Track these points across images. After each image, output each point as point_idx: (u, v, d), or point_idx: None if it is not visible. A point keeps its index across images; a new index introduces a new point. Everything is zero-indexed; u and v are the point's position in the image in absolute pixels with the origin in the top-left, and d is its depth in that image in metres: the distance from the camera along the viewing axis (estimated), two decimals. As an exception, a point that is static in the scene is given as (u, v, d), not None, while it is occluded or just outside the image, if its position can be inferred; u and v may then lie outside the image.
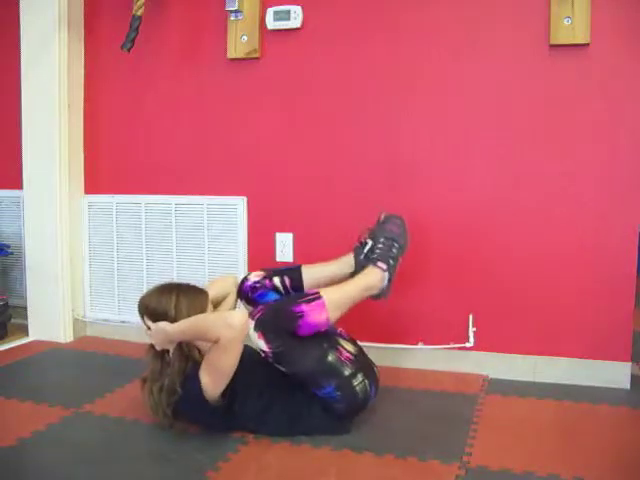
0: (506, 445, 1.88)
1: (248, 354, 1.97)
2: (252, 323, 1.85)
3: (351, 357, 1.95)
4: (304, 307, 1.89)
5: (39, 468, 1.78)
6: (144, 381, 1.96)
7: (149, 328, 1.93)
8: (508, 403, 2.22)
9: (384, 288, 2.08)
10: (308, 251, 2.68)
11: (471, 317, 2.42)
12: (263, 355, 1.88)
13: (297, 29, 2.62)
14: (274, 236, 2.73)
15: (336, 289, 2.03)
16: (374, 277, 2.05)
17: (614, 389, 2.31)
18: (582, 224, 2.35)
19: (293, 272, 2.21)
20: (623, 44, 2.26)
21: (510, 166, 2.42)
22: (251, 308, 2.11)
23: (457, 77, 2.45)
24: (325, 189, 2.65)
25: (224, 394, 1.85)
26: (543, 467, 1.72)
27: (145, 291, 2.04)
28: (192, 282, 2.05)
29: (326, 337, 1.96)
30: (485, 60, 2.42)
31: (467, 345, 2.46)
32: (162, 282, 2.04)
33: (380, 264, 2.07)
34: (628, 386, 2.32)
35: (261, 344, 1.85)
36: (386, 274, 2.06)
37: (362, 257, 2.14)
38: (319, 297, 1.93)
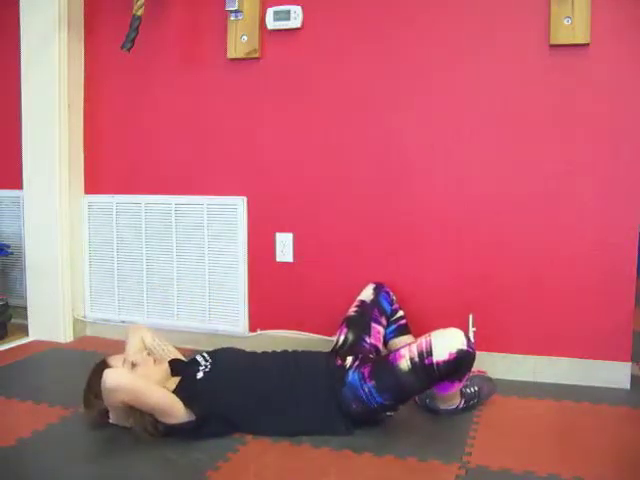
0: (506, 445, 1.88)
1: (227, 358, 1.99)
2: (466, 345, 1.87)
3: None
4: (465, 378, 1.99)
5: (39, 468, 1.78)
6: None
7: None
8: (508, 403, 2.22)
9: (440, 410, 2.08)
10: (308, 251, 2.68)
11: (471, 317, 2.42)
12: (421, 355, 1.85)
13: (297, 29, 2.62)
14: (274, 236, 2.73)
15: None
16: (454, 401, 2.08)
17: (614, 389, 2.31)
18: (582, 224, 2.35)
19: (406, 327, 2.42)
20: (623, 44, 2.26)
21: (510, 166, 2.42)
22: (372, 293, 2.39)
23: (457, 77, 2.45)
24: (325, 189, 2.65)
25: (192, 411, 1.85)
26: (543, 467, 1.72)
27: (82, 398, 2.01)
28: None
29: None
30: (485, 60, 2.42)
31: (467, 345, 2.46)
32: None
33: (462, 402, 2.09)
34: (628, 386, 2.32)
35: (441, 355, 1.83)
36: (453, 408, 2.08)
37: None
38: (460, 382, 1.99)
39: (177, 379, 1.99)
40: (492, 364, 2.44)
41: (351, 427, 1.94)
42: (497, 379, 2.41)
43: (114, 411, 1.89)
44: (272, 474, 1.74)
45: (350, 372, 1.95)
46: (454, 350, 1.84)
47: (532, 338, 2.43)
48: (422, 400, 2.12)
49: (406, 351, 1.88)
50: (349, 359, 2.01)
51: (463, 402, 2.09)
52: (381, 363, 1.95)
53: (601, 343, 2.35)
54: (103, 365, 1.97)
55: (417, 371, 1.85)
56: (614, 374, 2.32)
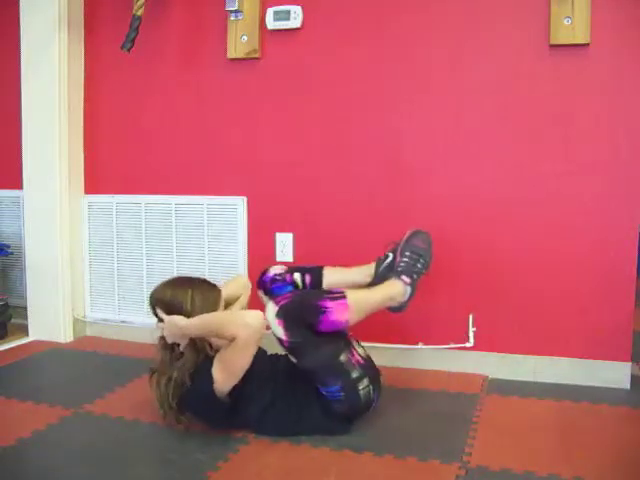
0: (506, 445, 1.88)
1: (260, 355, 1.97)
2: (275, 308, 1.87)
3: (361, 361, 1.97)
4: (329, 303, 1.91)
5: (39, 468, 1.78)
6: (152, 372, 1.96)
7: (161, 320, 1.93)
8: (508, 403, 2.22)
9: (404, 302, 2.09)
10: (308, 251, 2.68)
11: (471, 317, 2.42)
12: (280, 343, 1.89)
13: (297, 29, 2.62)
14: (274, 236, 2.73)
15: (359, 293, 2.05)
16: (396, 289, 2.06)
17: (614, 389, 2.31)
18: (582, 224, 2.35)
19: (314, 271, 2.24)
20: (623, 44, 2.26)
21: (510, 166, 2.42)
22: (267, 299, 2.13)
23: (457, 77, 2.45)
24: (325, 189, 2.65)
25: (231, 392, 1.86)
26: (543, 467, 1.72)
27: (158, 283, 2.02)
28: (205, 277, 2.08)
29: (341, 337, 1.99)
30: (485, 60, 2.42)
31: (467, 345, 2.46)
32: (175, 275, 2.03)
33: (404, 277, 2.08)
34: (628, 386, 2.32)
35: (280, 332, 1.86)
36: (408, 288, 2.07)
37: (382, 269, 2.17)
38: (344, 297, 1.95)
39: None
40: (492, 364, 2.45)
41: (347, 426, 1.95)
42: (497, 379, 2.42)
43: (205, 330, 1.87)
44: (272, 474, 1.74)
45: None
46: (276, 320, 1.86)
47: (532, 338, 2.43)
48: (393, 309, 2.10)
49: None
50: None
51: (407, 278, 2.06)
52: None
53: (601, 343, 2.35)
54: (217, 288, 2.00)
55: (296, 353, 1.90)
56: (614, 374, 2.32)
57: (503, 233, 2.44)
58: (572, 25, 2.26)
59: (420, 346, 2.52)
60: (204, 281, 2.03)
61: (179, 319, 1.87)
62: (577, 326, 2.37)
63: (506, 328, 2.46)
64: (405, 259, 2.10)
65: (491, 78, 2.41)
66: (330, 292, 2.00)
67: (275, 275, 2.22)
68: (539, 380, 2.41)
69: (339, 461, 1.80)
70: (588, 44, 2.27)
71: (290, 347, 1.89)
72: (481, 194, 2.46)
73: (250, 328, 1.79)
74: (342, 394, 1.89)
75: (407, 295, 2.08)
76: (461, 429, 1.98)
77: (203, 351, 1.91)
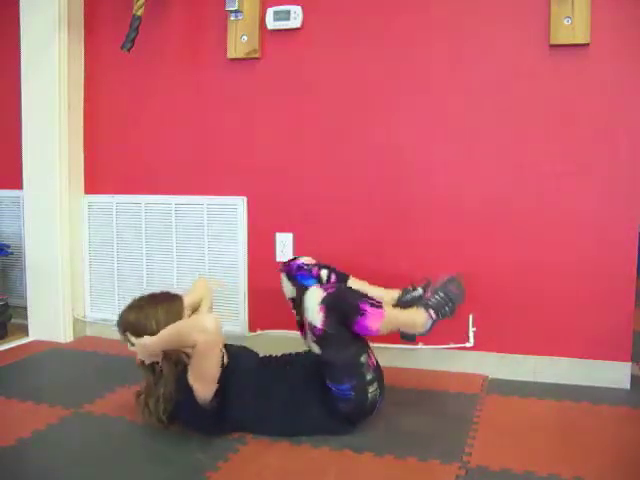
0: (506, 445, 1.88)
1: (244, 356, 1.98)
2: (322, 295, 1.88)
3: (374, 365, 1.99)
4: (368, 308, 1.93)
5: (39, 468, 1.78)
6: (138, 395, 1.97)
7: (132, 344, 1.94)
8: (508, 403, 2.22)
9: (419, 333, 2.10)
10: (308, 251, 2.67)
11: (471, 317, 2.42)
12: (311, 331, 1.89)
13: (297, 29, 2.62)
14: (274, 236, 2.73)
15: (392, 309, 2.08)
16: (422, 319, 2.08)
17: (614, 389, 2.31)
18: (582, 224, 2.35)
19: (340, 276, 2.28)
20: (623, 44, 2.26)
21: (510, 166, 2.42)
22: (291, 285, 2.22)
23: (457, 77, 2.45)
24: (325, 189, 2.65)
25: (216, 396, 1.85)
26: (543, 467, 1.72)
27: (122, 309, 2.02)
28: (165, 288, 2.09)
29: (363, 339, 2.01)
30: (485, 60, 2.42)
31: (467, 345, 2.46)
32: (136, 296, 2.03)
33: (431, 312, 2.09)
34: (628, 386, 2.32)
35: (318, 319, 1.87)
36: (429, 323, 2.08)
37: (406, 298, 2.21)
38: (382, 307, 1.98)
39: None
40: (492, 364, 2.45)
41: (349, 426, 1.95)
42: (497, 379, 2.42)
43: (169, 343, 1.87)
44: (272, 474, 1.74)
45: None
46: (318, 306, 1.86)
47: (532, 338, 2.43)
48: (404, 337, 2.11)
49: (309, 338, 1.93)
50: None
51: (433, 313, 2.08)
52: (319, 361, 1.95)
53: (601, 343, 2.35)
54: (178, 298, 2.00)
55: (324, 345, 1.89)
56: (614, 374, 2.32)
57: (503, 233, 2.44)
58: (572, 25, 2.26)
59: (420, 346, 2.52)
60: (165, 294, 2.03)
61: (146, 339, 1.89)
62: (577, 326, 2.37)
63: (506, 328, 2.46)
64: (437, 297, 2.12)
65: (491, 78, 2.41)
66: (372, 298, 2.01)
67: (303, 264, 2.25)
68: (539, 380, 2.41)
69: (339, 461, 1.80)
70: (588, 44, 2.27)
71: (321, 336, 1.88)
72: (481, 194, 2.45)
73: (207, 332, 1.79)
74: (352, 393, 1.90)
75: (425, 329, 2.09)
76: (461, 429, 1.98)
77: (181, 362, 1.91)
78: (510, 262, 2.43)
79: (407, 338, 2.13)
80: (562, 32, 2.27)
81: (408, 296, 2.21)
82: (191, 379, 1.84)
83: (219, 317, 1.88)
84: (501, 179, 2.43)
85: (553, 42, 2.30)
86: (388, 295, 2.23)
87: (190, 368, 1.85)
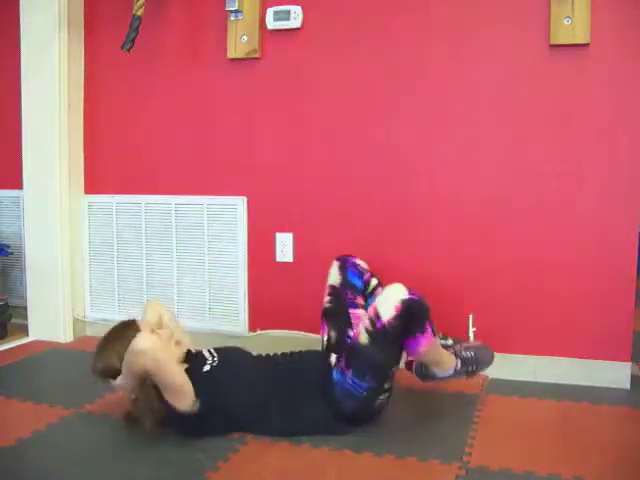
0: (506, 445, 1.88)
1: (234, 356, 1.98)
2: (406, 296, 1.83)
3: (394, 377, 1.99)
4: (428, 329, 1.89)
5: (39, 468, 1.78)
6: (127, 416, 1.96)
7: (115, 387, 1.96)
8: (508, 403, 2.22)
9: (437, 376, 2.08)
10: (308, 251, 2.68)
11: (471, 317, 2.42)
12: (372, 321, 1.85)
13: (297, 29, 2.62)
14: (274, 236, 2.73)
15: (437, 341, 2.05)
16: (450, 363, 2.05)
17: (614, 389, 2.31)
18: (582, 224, 2.35)
19: None
20: (623, 44, 2.26)
21: (510, 166, 2.42)
22: (338, 273, 2.25)
23: (457, 77, 2.45)
24: (325, 189, 2.65)
25: (198, 398, 1.86)
26: (543, 467, 1.72)
27: (90, 361, 2.03)
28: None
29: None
30: (485, 60, 2.42)
31: (467, 345, 2.46)
32: (98, 340, 2.04)
33: (459, 363, 2.07)
34: (628, 386, 2.32)
35: (388, 314, 1.82)
36: (451, 372, 2.07)
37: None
38: (434, 336, 1.95)
39: (185, 366, 1.98)
40: (492, 364, 2.44)
41: (350, 426, 1.95)
42: (497, 379, 2.42)
43: (128, 374, 1.87)
44: (272, 474, 1.74)
45: (334, 371, 1.94)
46: (398, 303, 1.82)
47: (532, 338, 2.43)
48: (418, 371, 2.10)
49: (362, 325, 1.89)
50: (333, 357, 2.01)
51: (460, 364, 2.06)
52: (350, 348, 1.94)
53: (601, 343, 2.35)
54: (132, 324, 1.98)
55: (375, 339, 1.85)
56: (614, 374, 2.32)
57: (503, 233, 2.44)
58: (572, 25, 2.26)
59: (420, 346, 2.52)
60: (119, 327, 2.01)
61: (119, 379, 1.92)
62: (577, 326, 2.37)
63: (506, 328, 2.46)
64: (468, 354, 2.10)
65: (491, 78, 2.41)
66: (433, 324, 1.97)
67: (359, 266, 2.28)
68: (539, 380, 2.41)
69: (339, 461, 1.80)
70: (588, 44, 2.27)
71: (379, 330, 1.84)
72: (481, 194, 2.45)
73: (142, 354, 1.78)
74: (365, 393, 1.89)
75: (445, 375, 2.07)
76: (461, 429, 1.98)
77: (154, 386, 1.88)
78: (510, 262, 2.43)
79: (423, 376, 2.11)
80: (562, 32, 2.27)
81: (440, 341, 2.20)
82: (165, 394, 1.84)
83: (147, 336, 1.85)
84: (501, 179, 2.43)
85: (553, 42, 2.30)
86: None
87: (160, 387, 1.85)
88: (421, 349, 1.91)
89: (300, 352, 2.12)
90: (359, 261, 2.30)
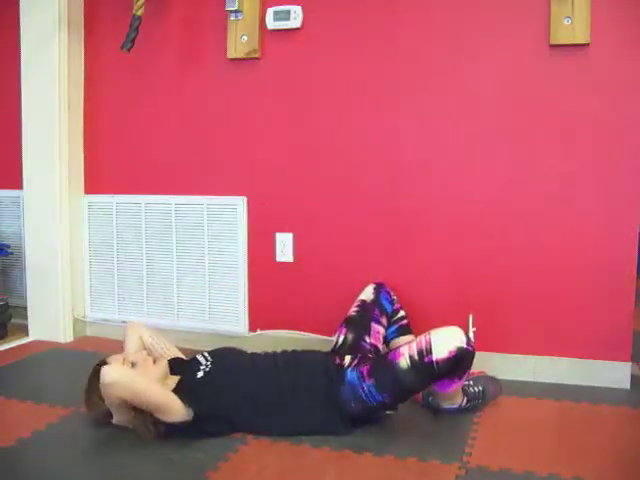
0: (506, 445, 1.88)
1: (228, 358, 1.98)
2: (465, 345, 1.85)
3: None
4: (464, 377, 1.97)
5: (39, 468, 1.78)
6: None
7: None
8: (508, 403, 2.22)
9: (442, 408, 2.09)
10: (308, 251, 2.68)
11: (471, 317, 2.42)
12: (421, 353, 1.84)
13: (297, 29, 2.62)
14: (274, 236, 2.73)
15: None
16: (457, 400, 2.08)
17: (614, 389, 2.31)
18: (582, 224, 2.35)
19: (405, 328, 2.38)
20: (623, 44, 2.26)
21: (510, 166, 2.42)
22: (373, 293, 2.36)
23: (457, 77, 2.45)
24: (325, 189, 2.65)
25: (192, 406, 1.86)
26: (543, 467, 1.72)
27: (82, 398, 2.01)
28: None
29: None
30: (485, 60, 2.42)
31: (467, 345, 2.46)
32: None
33: (464, 401, 2.09)
34: (628, 386, 2.32)
35: (440, 355, 1.82)
36: (455, 407, 2.09)
37: None
38: (462, 380, 1.98)
39: (177, 378, 1.99)
40: (492, 364, 2.44)
41: (350, 427, 1.95)
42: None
43: (115, 410, 1.89)
44: (272, 474, 1.74)
45: (348, 371, 1.95)
46: (454, 348, 1.83)
47: (532, 338, 2.43)
48: (425, 398, 2.12)
49: (405, 349, 1.88)
50: (347, 358, 2.02)
51: (466, 401, 2.09)
52: (380, 361, 1.95)
53: (601, 343, 2.35)
54: (103, 364, 1.97)
55: (417, 369, 1.85)
56: (614, 374, 2.32)
57: (503, 233, 2.44)
58: (572, 25, 2.26)
59: (420, 346, 2.52)
60: (96, 369, 1.97)
61: (114, 419, 1.92)
62: (577, 326, 2.37)
63: (506, 328, 2.46)
64: (475, 389, 2.13)
65: (491, 78, 2.41)
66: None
67: (391, 292, 2.40)
68: (539, 380, 2.41)
69: (339, 461, 1.80)
70: (588, 44, 2.27)
71: (424, 364, 1.84)
72: (481, 194, 2.45)
73: (112, 386, 1.78)
74: (376, 404, 1.91)
75: (449, 408, 2.09)
76: (461, 429, 1.98)
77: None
78: (510, 262, 2.43)
79: (427, 403, 2.12)
80: (562, 32, 2.27)
81: None
82: (155, 415, 1.84)
83: (114, 366, 1.87)
84: (501, 179, 2.43)
85: (553, 42, 2.30)
86: None
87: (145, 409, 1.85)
88: (450, 390, 1.99)
89: (300, 351, 2.13)
90: (392, 292, 2.40)
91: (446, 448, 1.85)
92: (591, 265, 2.34)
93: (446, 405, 2.08)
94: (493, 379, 2.21)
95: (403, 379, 1.87)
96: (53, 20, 2.84)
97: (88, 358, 2.76)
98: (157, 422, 1.85)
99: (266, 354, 2.12)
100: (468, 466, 1.74)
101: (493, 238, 2.45)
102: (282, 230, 2.72)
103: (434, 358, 1.83)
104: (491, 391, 2.16)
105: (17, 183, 3.04)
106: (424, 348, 1.85)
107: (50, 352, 2.83)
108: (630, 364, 2.33)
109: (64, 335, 2.98)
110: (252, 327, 2.80)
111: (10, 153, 3.11)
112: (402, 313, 2.40)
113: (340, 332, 2.29)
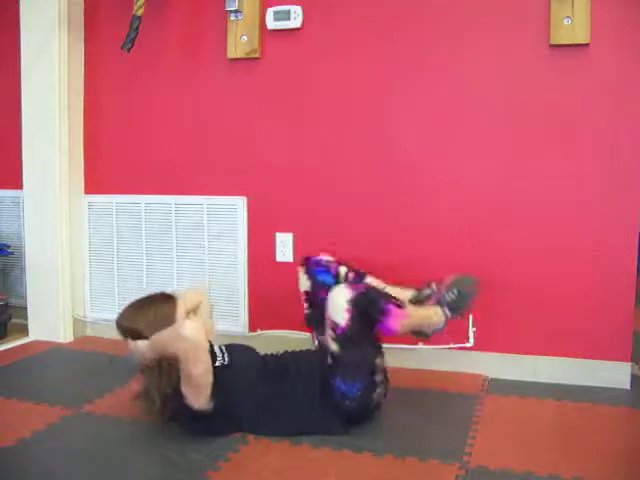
0: (506, 445, 1.88)
1: (244, 355, 1.98)
2: (351, 294, 1.87)
3: (384, 367, 2.00)
4: (392, 308, 1.93)
5: (39, 468, 1.78)
6: (137, 396, 1.97)
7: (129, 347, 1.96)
8: (508, 403, 2.22)
9: (436, 330, 2.10)
10: (308, 251, 2.67)
11: (471, 317, 2.42)
12: (332, 329, 1.88)
13: (297, 29, 2.62)
14: (274, 236, 2.73)
15: (412, 308, 2.07)
16: (438, 317, 2.08)
17: (614, 389, 2.31)
18: (582, 224, 2.35)
19: (359, 273, 2.27)
20: (623, 44, 2.26)
21: (510, 166, 2.42)
22: (307, 278, 2.23)
23: (457, 77, 2.45)
24: (325, 189, 2.65)
25: (213, 399, 1.86)
26: (543, 467, 1.72)
27: (121, 310, 2.03)
28: (164, 288, 2.11)
29: (378, 340, 2.01)
30: (485, 60, 2.42)
31: (467, 345, 2.46)
32: (134, 299, 2.04)
33: (447, 310, 2.10)
34: (628, 386, 2.32)
35: (343, 318, 1.86)
36: (443, 320, 2.09)
37: (420, 298, 2.20)
38: (404, 307, 1.98)
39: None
40: (492, 364, 2.45)
41: (348, 427, 1.95)
42: (497, 379, 2.42)
43: (157, 351, 1.86)
44: (272, 474, 1.74)
45: (329, 375, 1.95)
46: (345, 305, 1.86)
47: (532, 338, 2.43)
48: (417, 335, 2.11)
49: (327, 335, 1.92)
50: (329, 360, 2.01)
51: (447, 311, 2.08)
52: (326, 358, 1.95)
53: (601, 343, 2.35)
54: (171, 300, 1.99)
55: (344, 344, 1.88)
56: (614, 374, 2.32)
57: (503, 233, 2.44)
58: (572, 25, 2.26)
59: (420, 346, 2.52)
60: (158, 296, 2.02)
61: (140, 344, 1.91)
62: (577, 326, 2.37)
63: (506, 328, 2.46)
64: (452, 295, 2.12)
65: (491, 78, 2.41)
66: (396, 298, 2.01)
67: (322, 259, 2.26)
68: (539, 380, 2.41)
69: (339, 461, 1.80)
70: (588, 44, 2.27)
71: (342, 335, 1.88)
72: (481, 194, 2.45)
73: (186, 340, 1.79)
74: (359, 394, 1.90)
75: (440, 327, 2.09)
76: (461, 429, 1.98)
77: (174, 368, 1.87)
78: (510, 262, 2.43)
79: (421, 336, 2.13)
80: (562, 32, 2.27)
81: (422, 296, 2.21)
82: (183, 385, 1.84)
83: (198, 325, 1.86)
84: (501, 179, 2.43)
85: (553, 42, 2.30)
86: (403, 294, 2.22)
87: (181, 375, 1.85)
88: (394, 328, 1.94)
89: (299, 351, 2.12)
90: (321, 256, 2.29)
91: (446, 448, 1.85)
92: (591, 265, 2.34)
93: (435, 327, 2.08)
94: (462, 278, 2.17)
95: (347, 359, 1.89)
96: (53, 20, 2.84)
97: (88, 358, 2.77)
98: (169, 398, 1.85)
99: (271, 355, 2.12)
100: (468, 466, 1.74)
101: (493, 238, 2.45)
102: (282, 230, 2.72)
103: (342, 326, 1.86)
104: (466, 289, 2.13)
105: (17, 183, 3.04)
106: (331, 325, 1.89)
107: (50, 352, 2.83)
108: (630, 364, 2.33)
109: (64, 335, 2.98)
110: (252, 327, 2.80)
111: (10, 153, 3.11)
112: (343, 270, 2.26)
113: (312, 337, 2.26)
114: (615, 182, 2.30)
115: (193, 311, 2.10)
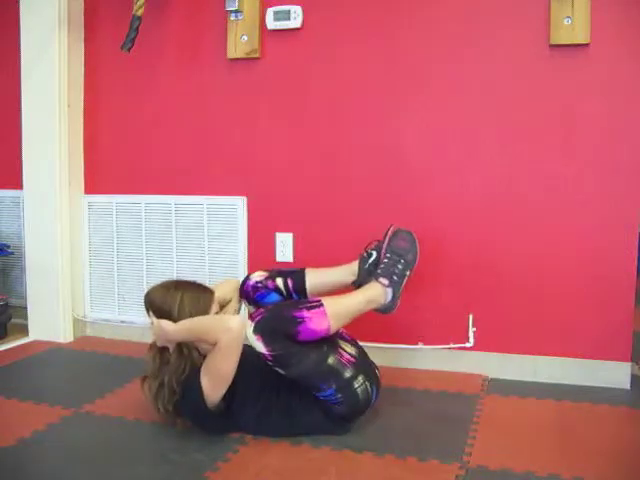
0: (506, 445, 1.88)
1: (246, 356, 1.97)
2: (252, 325, 1.84)
3: (352, 359, 1.95)
4: (305, 313, 1.88)
5: (39, 468, 1.78)
6: (144, 378, 1.97)
7: (152, 323, 1.93)
8: (508, 403, 2.22)
9: (387, 303, 2.06)
10: (308, 251, 2.68)
11: (471, 317, 2.42)
12: (263, 358, 1.86)
13: (297, 29, 2.62)
14: (274, 236, 2.73)
15: (337, 299, 2.01)
16: (375, 292, 2.04)
17: (614, 389, 2.31)
18: (582, 224, 2.35)
19: (296, 274, 2.19)
20: (623, 44, 2.26)
21: (510, 166, 2.42)
22: (253, 308, 2.12)
23: (457, 77, 2.45)
24: (325, 189, 2.65)
25: (224, 398, 1.85)
26: (543, 467, 1.72)
27: (152, 285, 2.03)
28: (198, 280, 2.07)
29: (326, 340, 1.94)
30: (485, 60, 2.42)
31: (467, 345, 2.46)
32: (171, 279, 2.04)
33: (382, 279, 2.05)
34: (628, 386, 2.32)
35: (260, 347, 1.84)
36: (389, 290, 2.04)
37: (366, 267, 2.13)
38: (320, 305, 1.92)
39: None
40: (492, 364, 2.45)
41: (347, 425, 1.95)
42: (497, 379, 2.42)
43: (190, 336, 1.86)
44: (272, 474, 1.74)
45: None
46: (255, 336, 1.82)
47: (532, 338, 2.43)
48: (376, 312, 2.07)
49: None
50: None
51: (386, 281, 2.02)
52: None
53: (601, 343, 2.35)
54: (208, 290, 1.99)
55: (282, 365, 1.85)
56: (614, 374, 2.32)
57: (503, 233, 2.44)
58: (572, 25, 2.26)
59: (420, 346, 2.52)
60: (195, 285, 2.02)
61: (166, 324, 1.87)
62: (577, 326, 2.37)
63: (506, 328, 2.46)
64: (385, 260, 2.07)
65: (491, 78, 2.41)
66: (307, 301, 1.97)
67: (257, 283, 2.15)
68: (539, 380, 2.41)
69: (339, 461, 1.80)
70: (588, 44, 2.27)
71: (274, 360, 1.85)
72: (481, 194, 2.45)
73: (231, 332, 1.79)
74: (339, 396, 1.88)
75: (389, 297, 2.04)
76: (461, 429, 1.98)
77: (190, 357, 1.89)
78: (510, 262, 2.43)
79: (383, 312, 2.07)
80: (562, 32, 2.27)
81: (366, 265, 2.13)
82: (204, 377, 1.82)
83: (244, 319, 1.86)
84: (501, 179, 2.43)
85: (553, 42, 2.30)
86: (349, 270, 2.17)
87: (205, 365, 1.83)
88: (321, 328, 1.89)
89: None
90: (253, 278, 2.16)
91: (446, 448, 1.85)
92: (591, 265, 2.34)
93: (381, 302, 2.03)
94: (394, 234, 2.12)
95: (297, 374, 1.85)
96: (53, 20, 2.84)
97: (88, 358, 2.77)
98: (175, 388, 1.85)
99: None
100: (468, 466, 1.74)
101: (493, 238, 2.45)
102: (282, 230, 2.72)
103: (265, 353, 1.83)
104: (401, 244, 2.08)
105: (17, 183, 3.04)
106: (260, 355, 1.85)
107: (50, 352, 2.83)
108: (630, 364, 2.33)
109: (64, 335, 2.98)
110: (252, 327, 2.79)
111: (10, 153, 3.11)
112: (280, 282, 2.15)
113: None
114: (615, 182, 2.30)
115: (220, 305, 2.09)
